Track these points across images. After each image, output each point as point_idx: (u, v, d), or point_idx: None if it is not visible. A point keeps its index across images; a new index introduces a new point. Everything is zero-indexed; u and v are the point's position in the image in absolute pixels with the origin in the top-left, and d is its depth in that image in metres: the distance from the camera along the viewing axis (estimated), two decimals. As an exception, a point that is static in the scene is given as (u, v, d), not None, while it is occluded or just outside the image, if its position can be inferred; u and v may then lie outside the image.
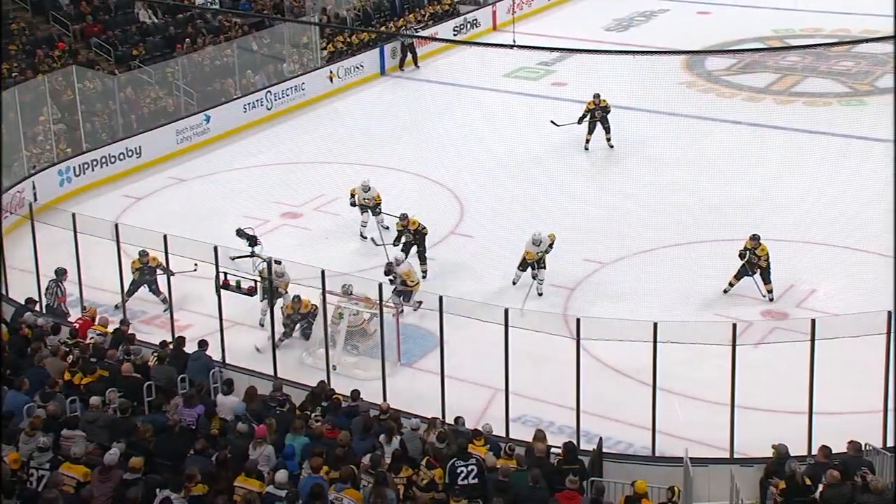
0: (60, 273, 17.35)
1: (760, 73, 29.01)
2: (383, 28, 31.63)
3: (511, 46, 18.52)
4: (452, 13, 33.50)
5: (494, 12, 33.96)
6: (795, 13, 33.01)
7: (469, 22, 33.14)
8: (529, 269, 18.26)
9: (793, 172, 22.69)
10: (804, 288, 18.20)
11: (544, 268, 18.26)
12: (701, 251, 19.65)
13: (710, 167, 22.60)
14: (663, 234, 20.20)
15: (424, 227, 18.99)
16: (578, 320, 13.90)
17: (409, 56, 31.08)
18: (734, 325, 13.32)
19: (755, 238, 17.89)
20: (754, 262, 17.86)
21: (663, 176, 22.92)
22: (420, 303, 17.12)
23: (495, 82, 29.05)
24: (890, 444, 13.35)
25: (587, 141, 24.37)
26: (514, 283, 18.39)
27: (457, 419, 13.83)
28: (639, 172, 23.10)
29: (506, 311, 13.77)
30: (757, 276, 17.98)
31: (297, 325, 16.84)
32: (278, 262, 16.16)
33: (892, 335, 13.14)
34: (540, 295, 18.09)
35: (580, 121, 24.22)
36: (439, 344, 14.62)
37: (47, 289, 17.23)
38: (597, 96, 24.25)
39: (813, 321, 13.24)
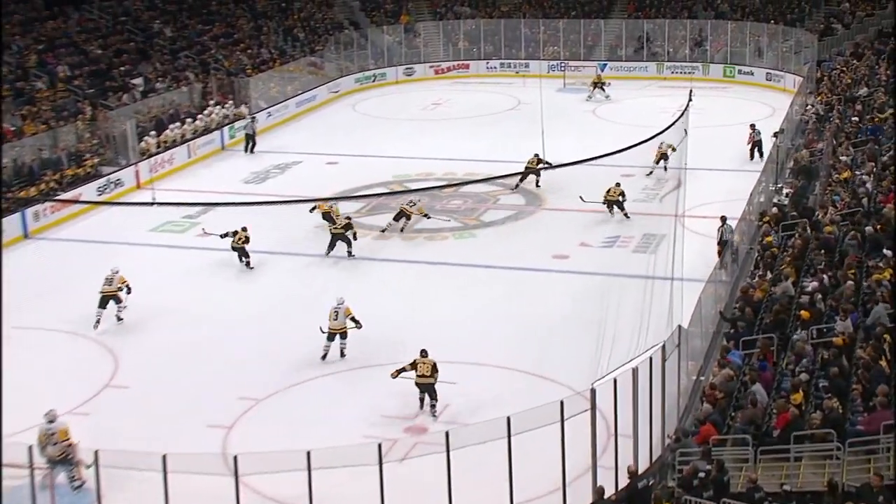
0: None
1: (386, 213, 29.42)
2: (22, 194, 29.81)
3: (151, 204, 18.31)
4: (95, 175, 32.30)
5: (137, 172, 33.07)
6: (411, 160, 34.66)
7: (113, 182, 32.04)
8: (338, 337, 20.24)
9: (422, 302, 23.38)
10: (440, 404, 18.26)
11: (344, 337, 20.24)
12: (337, 380, 19.70)
13: (357, 302, 21.30)
14: (310, 368, 20.09)
15: None
16: (236, 457, 13.61)
17: (251, 143, 37.13)
18: (379, 445, 13.42)
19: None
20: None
21: (300, 315, 21.89)
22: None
23: (142, 237, 28.16)
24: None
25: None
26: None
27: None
28: (276, 312, 22.86)
29: (164, 457, 13.27)
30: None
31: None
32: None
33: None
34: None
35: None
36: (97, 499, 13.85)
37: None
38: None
39: (447, 433, 13.62)
